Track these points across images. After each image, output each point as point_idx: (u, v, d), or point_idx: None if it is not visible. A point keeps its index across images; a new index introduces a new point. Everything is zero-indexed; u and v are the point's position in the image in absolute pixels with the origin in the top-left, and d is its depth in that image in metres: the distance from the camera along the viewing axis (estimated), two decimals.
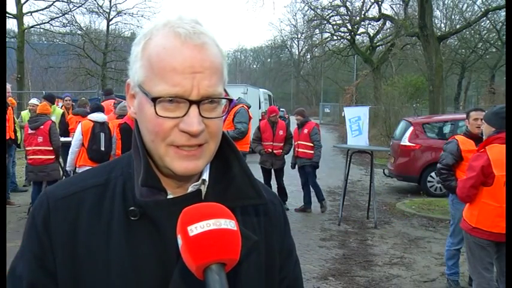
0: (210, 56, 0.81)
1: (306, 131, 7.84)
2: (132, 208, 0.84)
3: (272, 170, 8.04)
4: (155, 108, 0.80)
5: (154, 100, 0.79)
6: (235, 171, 0.91)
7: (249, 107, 6.91)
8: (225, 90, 0.86)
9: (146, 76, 0.82)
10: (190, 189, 0.87)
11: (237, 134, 6.40)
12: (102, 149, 6.37)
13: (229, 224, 0.75)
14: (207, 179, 0.89)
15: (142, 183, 0.83)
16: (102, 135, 6.41)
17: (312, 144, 7.76)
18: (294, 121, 8.29)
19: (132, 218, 0.84)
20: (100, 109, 6.80)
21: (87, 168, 5.61)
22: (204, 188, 0.89)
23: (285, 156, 8.07)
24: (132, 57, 0.86)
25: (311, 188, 8.02)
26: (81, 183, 0.89)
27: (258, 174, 8.09)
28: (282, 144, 7.92)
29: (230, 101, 0.87)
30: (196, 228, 0.73)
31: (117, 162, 0.93)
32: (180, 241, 0.74)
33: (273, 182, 8.00)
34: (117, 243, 0.83)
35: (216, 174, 0.90)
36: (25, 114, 9.22)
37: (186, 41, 0.80)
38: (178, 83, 0.79)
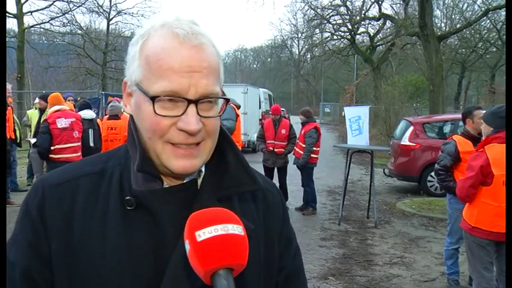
0: (207, 56, 0.83)
1: (303, 132, 7.87)
2: (128, 197, 0.84)
3: (275, 169, 8.05)
4: (154, 107, 0.80)
5: (153, 99, 0.80)
6: (229, 159, 0.92)
7: (238, 107, 6.92)
8: (221, 91, 0.87)
9: (144, 75, 0.83)
10: (187, 179, 0.88)
11: None
12: (91, 144, 6.36)
13: (236, 229, 0.75)
14: (203, 170, 0.90)
15: (138, 169, 0.84)
16: (91, 131, 6.40)
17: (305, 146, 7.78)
18: (298, 120, 8.27)
19: (128, 208, 0.84)
20: (88, 106, 6.80)
21: None
22: (200, 178, 0.89)
23: (288, 155, 8.06)
24: (129, 57, 0.87)
25: (308, 188, 8.02)
26: (77, 170, 0.90)
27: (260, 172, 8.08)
28: (284, 143, 7.92)
29: (227, 100, 0.88)
30: (204, 234, 0.73)
31: (114, 153, 0.93)
32: (187, 246, 0.74)
33: (276, 183, 8.01)
34: (113, 232, 0.83)
35: (211, 163, 0.90)
36: (31, 113, 9.33)
37: (185, 41, 0.81)
38: (177, 81, 0.80)
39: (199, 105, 0.81)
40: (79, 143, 6.04)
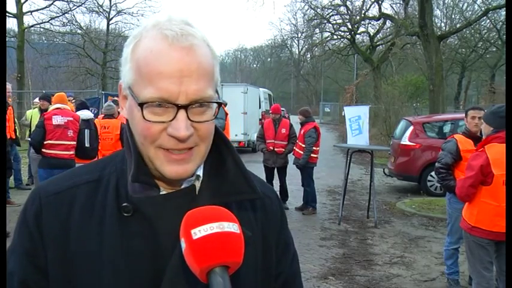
0: (198, 58, 0.80)
1: (302, 132, 7.87)
2: (125, 204, 0.84)
3: (275, 169, 8.04)
4: (142, 113, 0.79)
5: (141, 105, 0.79)
6: (229, 166, 0.90)
7: (225, 105, 6.96)
8: (216, 91, 0.86)
9: (134, 79, 0.82)
10: (185, 185, 0.87)
11: None
12: (87, 145, 6.39)
13: (232, 227, 0.75)
14: (201, 175, 0.89)
15: (133, 179, 0.83)
16: (87, 131, 6.44)
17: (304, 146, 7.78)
18: (297, 120, 8.27)
19: (125, 214, 0.83)
20: (85, 106, 6.83)
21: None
22: (198, 184, 0.88)
23: (288, 155, 8.06)
24: (122, 58, 0.86)
25: (308, 188, 8.02)
26: (74, 179, 0.89)
27: (260, 172, 8.11)
28: (284, 142, 7.92)
29: (220, 104, 0.85)
30: (199, 232, 0.73)
31: (111, 159, 0.93)
32: (183, 244, 0.74)
33: (276, 182, 8.02)
34: (110, 239, 0.83)
35: (210, 169, 0.89)
36: (30, 113, 9.35)
37: (173, 43, 0.79)
38: (165, 88, 0.78)
39: (190, 110, 0.79)
40: (72, 142, 6.15)
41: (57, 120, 6.01)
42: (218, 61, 0.87)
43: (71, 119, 6.17)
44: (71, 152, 6.14)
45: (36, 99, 9.30)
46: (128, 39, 0.86)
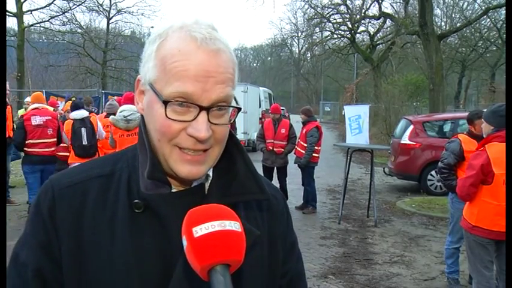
0: (223, 63, 0.82)
1: (304, 131, 7.86)
2: (136, 201, 0.85)
3: (275, 169, 8.04)
4: (165, 111, 0.80)
5: (166, 102, 0.80)
6: (238, 166, 0.92)
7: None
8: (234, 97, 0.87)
9: (158, 76, 0.83)
10: (195, 183, 0.88)
11: None
12: (85, 143, 6.43)
13: (233, 225, 0.75)
14: (210, 174, 0.90)
15: (149, 176, 0.84)
16: (84, 130, 6.48)
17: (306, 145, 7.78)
18: (298, 119, 8.25)
19: (136, 211, 0.85)
20: (78, 107, 6.88)
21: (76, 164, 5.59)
22: (207, 183, 0.90)
23: (288, 155, 8.06)
24: (145, 55, 0.87)
25: (308, 187, 8.02)
26: (86, 172, 0.90)
27: (260, 172, 8.07)
28: (283, 142, 7.91)
29: (239, 109, 0.87)
30: (201, 230, 0.73)
31: (123, 154, 0.94)
32: (185, 242, 0.75)
33: (275, 182, 8.01)
34: (121, 234, 0.84)
35: (220, 169, 0.91)
36: (21, 112, 9.35)
37: (202, 45, 0.81)
38: (190, 87, 0.79)
39: (210, 112, 0.81)
40: (53, 139, 6.51)
41: (36, 120, 6.35)
42: (237, 68, 0.88)
43: (50, 118, 6.54)
44: (52, 149, 6.52)
45: (28, 98, 9.31)
46: (151, 36, 0.88)
